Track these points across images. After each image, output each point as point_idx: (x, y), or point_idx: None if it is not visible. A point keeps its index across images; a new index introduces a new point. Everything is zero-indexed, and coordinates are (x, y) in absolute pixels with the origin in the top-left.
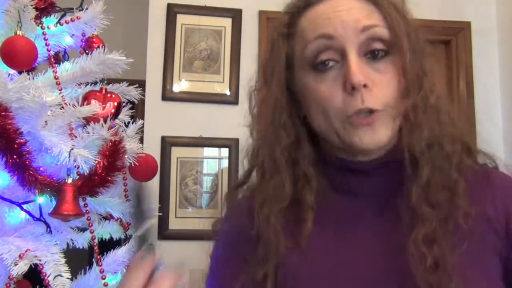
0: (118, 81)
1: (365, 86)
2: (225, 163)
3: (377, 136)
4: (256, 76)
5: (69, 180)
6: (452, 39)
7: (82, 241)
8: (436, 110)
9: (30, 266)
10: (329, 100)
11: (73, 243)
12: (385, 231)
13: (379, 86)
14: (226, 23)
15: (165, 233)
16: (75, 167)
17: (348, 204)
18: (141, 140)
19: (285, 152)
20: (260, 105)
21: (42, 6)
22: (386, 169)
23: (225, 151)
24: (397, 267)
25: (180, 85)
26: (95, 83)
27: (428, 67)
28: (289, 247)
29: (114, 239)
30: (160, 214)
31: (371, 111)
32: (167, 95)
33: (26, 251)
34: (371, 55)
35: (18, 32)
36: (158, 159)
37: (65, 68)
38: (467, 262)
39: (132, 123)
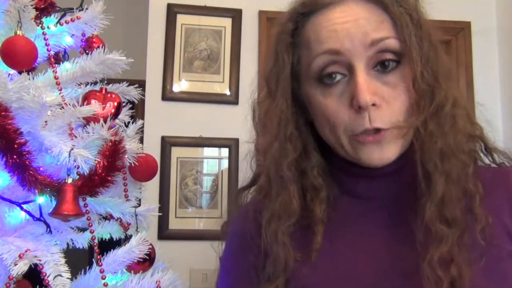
0: (118, 81)
1: (373, 104)
2: (225, 163)
3: (385, 154)
4: (257, 84)
5: (69, 180)
6: (452, 39)
7: (82, 241)
8: (451, 118)
9: (30, 266)
10: (336, 116)
11: (73, 243)
12: (398, 245)
13: (388, 102)
14: (226, 23)
15: (165, 233)
16: (75, 167)
17: (359, 212)
18: (141, 140)
19: (292, 166)
20: (264, 118)
21: (42, 6)
22: (399, 174)
23: (225, 151)
24: (410, 287)
25: (180, 85)
26: (95, 83)
27: (442, 71)
28: (298, 260)
29: (114, 239)
30: (160, 214)
31: (379, 130)
32: (167, 95)
33: (26, 251)
34: (381, 66)
35: (18, 32)
36: (158, 159)
37: (65, 68)
38: (484, 277)
39: (132, 123)
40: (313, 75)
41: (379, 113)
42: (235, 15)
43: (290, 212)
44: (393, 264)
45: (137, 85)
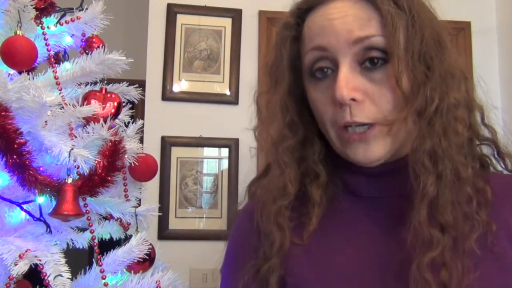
0: (118, 81)
1: (354, 100)
2: (225, 163)
3: (370, 152)
4: (258, 78)
5: (69, 180)
6: (452, 39)
7: (82, 241)
8: (445, 118)
9: (30, 266)
10: (323, 110)
11: (73, 243)
12: (394, 246)
13: (372, 99)
14: (226, 23)
15: (165, 233)
16: (75, 167)
17: (359, 210)
18: (141, 140)
19: (289, 151)
20: (267, 108)
21: (42, 6)
22: (400, 174)
23: (225, 151)
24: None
25: (180, 85)
26: (95, 83)
27: (439, 70)
28: (294, 243)
29: (114, 239)
30: (160, 214)
31: (364, 125)
32: (167, 95)
33: (26, 251)
34: (369, 63)
35: (18, 32)
36: (158, 159)
37: (65, 68)
38: (480, 286)
39: (132, 123)
40: (306, 69)
41: (361, 108)
42: (235, 15)
43: (285, 194)
44: (385, 264)
45: (137, 85)
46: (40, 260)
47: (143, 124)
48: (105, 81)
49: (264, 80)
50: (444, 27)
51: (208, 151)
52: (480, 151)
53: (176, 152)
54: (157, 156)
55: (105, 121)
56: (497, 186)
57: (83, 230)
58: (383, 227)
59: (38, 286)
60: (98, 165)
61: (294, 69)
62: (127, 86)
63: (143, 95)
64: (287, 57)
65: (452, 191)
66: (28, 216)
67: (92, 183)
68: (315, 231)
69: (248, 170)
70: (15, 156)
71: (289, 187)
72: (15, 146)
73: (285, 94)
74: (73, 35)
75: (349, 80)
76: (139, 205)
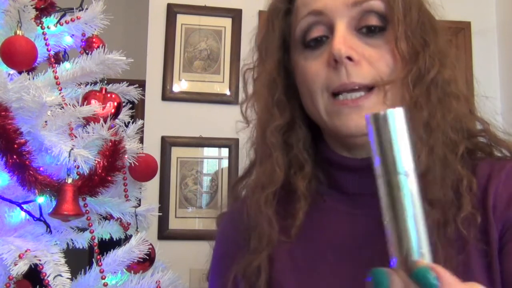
0: (118, 81)
1: (350, 59)
2: (225, 163)
3: (363, 120)
4: (251, 56)
5: (69, 180)
6: (452, 39)
7: (82, 241)
8: (440, 90)
9: (30, 266)
10: (314, 77)
11: (73, 243)
12: (377, 245)
13: (370, 61)
14: (226, 23)
15: (165, 233)
16: (75, 167)
17: (345, 207)
18: (141, 140)
19: (277, 132)
20: (255, 84)
21: (42, 6)
22: None
23: (225, 151)
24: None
25: (180, 85)
26: (95, 83)
27: (434, 44)
28: (281, 240)
29: (114, 239)
30: (160, 214)
31: (358, 91)
32: (167, 95)
33: (26, 251)
34: (366, 30)
35: (18, 32)
36: (158, 159)
37: (65, 68)
38: (466, 272)
39: (132, 123)
40: (298, 38)
41: (359, 68)
42: (235, 15)
43: (273, 180)
44: (371, 267)
45: (137, 85)
46: (40, 260)
47: (143, 124)
48: (105, 81)
49: (255, 55)
50: (433, 16)
51: (208, 151)
52: (464, 133)
53: (176, 152)
54: (157, 156)
55: (105, 121)
56: (484, 172)
57: (83, 230)
58: (369, 228)
59: (38, 286)
60: (98, 165)
61: (284, 46)
62: (127, 86)
63: (143, 95)
64: (281, 30)
65: (442, 168)
66: (28, 216)
67: (92, 183)
68: (301, 228)
69: (247, 162)
70: (15, 156)
71: (277, 173)
72: (15, 146)
73: (275, 69)
74: (73, 35)
75: (346, 39)
76: (139, 205)
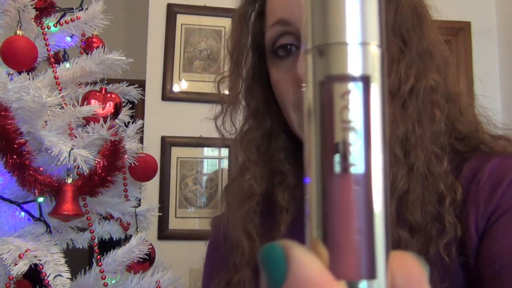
0: (118, 81)
1: None
2: (225, 163)
3: None
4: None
5: (69, 180)
6: (452, 39)
7: (82, 241)
8: (420, 101)
9: (30, 266)
10: (285, 94)
11: (73, 243)
12: None
13: None
14: (226, 23)
15: (165, 233)
16: (75, 167)
17: None
18: (141, 140)
19: (256, 145)
20: (229, 94)
21: (42, 6)
22: None
23: (225, 151)
24: None
25: (180, 85)
26: (95, 83)
27: (418, 43)
28: None
29: (114, 239)
30: (160, 214)
31: None
32: (167, 95)
33: (26, 251)
34: None
35: (18, 32)
36: (158, 159)
37: (65, 68)
38: None
39: (132, 123)
40: (268, 47)
41: None
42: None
43: (252, 194)
44: None
45: (137, 85)
46: (40, 260)
47: (143, 124)
48: (105, 81)
49: (229, 62)
50: (424, 4)
51: (208, 151)
52: (450, 140)
53: (176, 152)
54: (157, 156)
55: (105, 121)
56: (467, 176)
57: (83, 230)
58: None
59: (38, 286)
60: (98, 165)
61: (259, 50)
62: (127, 86)
63: (143, 95)
64: (250, 35)
65: (423, 187)
66: (28, 216)
67: (92, 183)
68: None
69: None
70: (15, 156)
71: (254, 187)
72: (15, 146)
73: (249, 78)
74: (73, 35)
75: None
76: (139, 205)
